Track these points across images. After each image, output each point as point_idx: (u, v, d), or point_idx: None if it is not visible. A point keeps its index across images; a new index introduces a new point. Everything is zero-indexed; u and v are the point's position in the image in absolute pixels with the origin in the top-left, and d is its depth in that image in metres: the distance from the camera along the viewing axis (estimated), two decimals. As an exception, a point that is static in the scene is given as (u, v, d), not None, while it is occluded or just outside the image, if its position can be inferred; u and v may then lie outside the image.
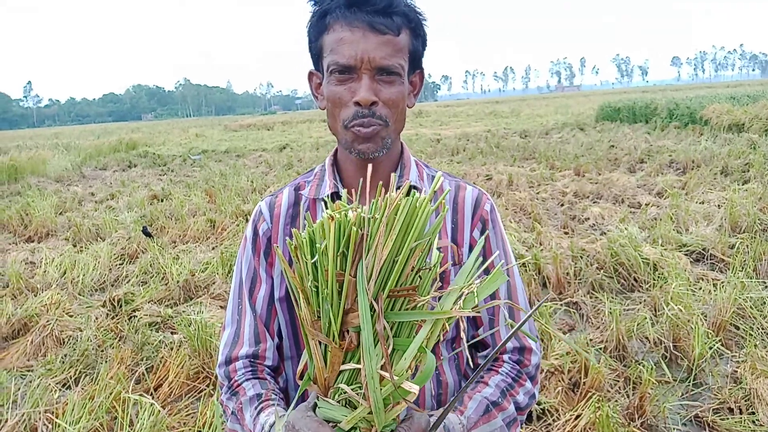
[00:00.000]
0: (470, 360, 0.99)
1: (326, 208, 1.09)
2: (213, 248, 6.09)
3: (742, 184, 7.53)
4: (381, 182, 0.88)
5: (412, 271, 0.79)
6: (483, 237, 0.92)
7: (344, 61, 0.97)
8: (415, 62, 1.06)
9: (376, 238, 0.75)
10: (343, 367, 0.78)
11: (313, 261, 0.78)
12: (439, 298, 0.83)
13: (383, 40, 0.97)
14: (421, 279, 0.81)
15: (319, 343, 0.80)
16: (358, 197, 0.96)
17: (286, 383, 1.13)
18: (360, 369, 0.76)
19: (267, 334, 1.10)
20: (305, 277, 0.80)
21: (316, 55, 1.04)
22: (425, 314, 0.78)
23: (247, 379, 1.06)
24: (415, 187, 1.10)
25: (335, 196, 1.10)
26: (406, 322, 0.80)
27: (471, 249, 1.10)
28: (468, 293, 0.81)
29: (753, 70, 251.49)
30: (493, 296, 1.09)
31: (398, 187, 1.09)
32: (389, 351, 0.76)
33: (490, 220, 1.12)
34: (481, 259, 0.88)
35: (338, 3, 0.98)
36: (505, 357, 1.09)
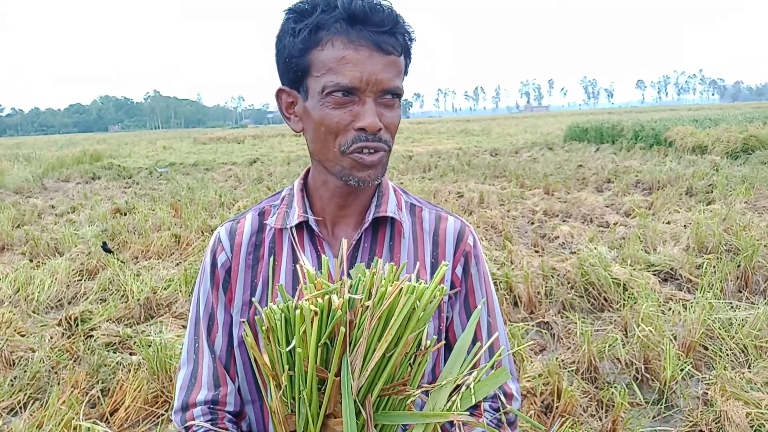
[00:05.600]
0: None
1: (294, 237, 1.00)
2: (177, 264, 5.90)
3: (707, 205, 7.69)
4: (369, 262, 0.76)
5: (403, 360, 0.70)
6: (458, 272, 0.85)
7: (347, 82, 0.87)
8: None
9: (365, 331, 0.66)
10: None
11: (288, 349, 0.68)
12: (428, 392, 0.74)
13: (389, 61, 0.89)
14: (411, 367, 0.72)
15: None
16: (341, 258, 0.82)
17: (249, 426, 1.03)
18: None
19: (227, 377, 1.00)
20: (277, 364, 0.69)
21: (300, 72, 0.91)
22: (419, 417, 0.69)
23: (205, 431, 0.96)
24: (392, 218, 1.02)
25: (304, 225, 1.00)
26: (391, 418, 0.70)
27: (453, 286, 1.02)
28: (464, 389, 0.71)
29: (713, 94, 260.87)
30: (475, 341, 1.02)
31: (375, 219, 1.01)
32: None
33: (473, 255, 1.04)
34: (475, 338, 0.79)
35: (337, 17, 0.87)
36: (485, 405, 1.01)
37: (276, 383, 0.70)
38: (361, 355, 0.65)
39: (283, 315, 0.68)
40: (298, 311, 0.66)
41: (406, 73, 0.97)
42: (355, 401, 0.65)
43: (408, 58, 0.96)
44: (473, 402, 0.70)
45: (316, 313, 0.65)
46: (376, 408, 0.69)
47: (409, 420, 0.69)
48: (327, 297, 0.67)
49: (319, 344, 0.66)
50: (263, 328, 0.70)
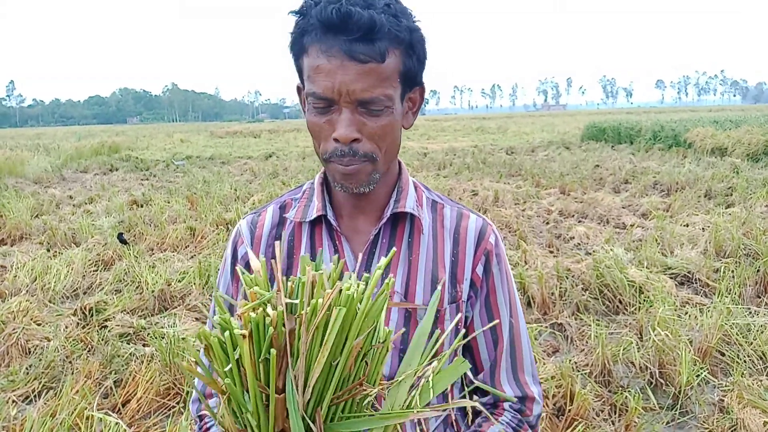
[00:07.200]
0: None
1: (311, 233, 0.99)
2: (191, 257, 5.94)
3: (726, 208, 7.57)
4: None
5: (356, 360, 0.65)
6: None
7: (321, 92, 0.86)
8: (412, 80, 0.94)
9: (304, 344, 0.61)
10: None
11: (226, 369, 0.62)
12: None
13: (364, 70, 0.85)
14: (367, 364, 0.67)
15: None
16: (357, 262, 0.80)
17: None
18: None
19: None
20: (223, 379, 0.64)
21: (299, 73, 0.94)
22: (376, 420, 0.64)
23: (216, 424, 0.96)
24: (411, 214, 1.01)
25: (323, 219, 1.00)
26: (346, 425, 0.65)
27: (472, 285, 1.00)
28: (423, 383, 0.66)
29: (734, 95, 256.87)
30: (496, 341, 1.01)
31: (393, 215, 1.00)
32: None
33: (494, 254, 1.01)
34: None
35: (314, 25, 0.86)
36: (506, 405, 0.99)
37: (225, 399, 0.65)
38: (304, 367, 0.61)
39: (220, 329, 0.62)
40: (227, 333, 0.61)
41: (412, 73, 0.93)
42: (303, 416, 0.61)
43: (409, 56, 0.90)
44: (431, 396, 0.67)
45: (243, 336, 0.59)
46: (332, 417, 0.65)
47: (366, 425, 0.64)
48: (261, 310, 0.61)
49: (259, 361, 0.61)
50: (202, 346, 0.64)
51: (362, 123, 0.88)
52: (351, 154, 0.89)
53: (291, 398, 0.60)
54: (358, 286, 0.63)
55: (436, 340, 0.71)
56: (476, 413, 1.01)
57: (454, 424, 1.03)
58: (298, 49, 0.91)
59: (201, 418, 0.97)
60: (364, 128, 0.88)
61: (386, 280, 0.67)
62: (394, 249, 0.75)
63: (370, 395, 0.65)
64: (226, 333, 0.61)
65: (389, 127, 0.91)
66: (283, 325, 0.60)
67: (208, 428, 0.96)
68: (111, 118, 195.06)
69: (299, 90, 0.99)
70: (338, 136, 0.87)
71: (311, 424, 0.61)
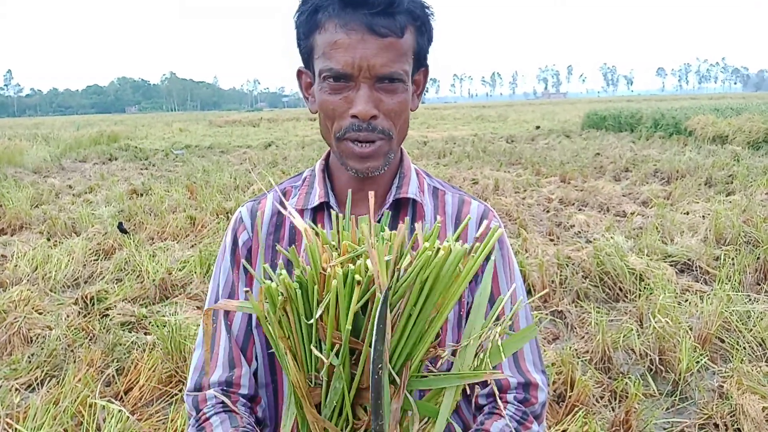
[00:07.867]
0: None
1: (313, 221, 0.98)
2: (192, 246, 5.94)
3: (726, 196, 7.57)
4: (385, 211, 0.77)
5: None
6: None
7: (339, 68, 0.84)
8: (420, 60, 0.94)
9: (405, 297, 0.64)
10: None
11: (311, 321, 0.65)
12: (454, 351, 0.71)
13: (384, 44, 0.84)
14: (442, 330, 0.73)
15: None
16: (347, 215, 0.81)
17: (264, 412, 1.01)
18: None
19: (243, 359, 0.98)
20: (294, 335, 0.66)
21: (307, 54, 0.92)
22: (454, 379, 0.67)
23: (216, 413, 0.93)
24: (413, 200, 1.00)
25: (325, 206, 0.99)
26: (425, 383, 0.69)
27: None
28: (492, 346, 0.69)
29: (735, 83, 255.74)
30: (492, 298, 1.01)
31: (396, 200, 0.99)
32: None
33: (497, 241, 1.02)
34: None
35: (331, 1, 0.85)
36: (509, 396, 0.97)
37: (292, 358, 0.67)
38: (398, 322, 0.64)
39: (297, 280, 0.65)
40: (334, 281, 0.62)
41: (423, 52, 0.93)
42: (389, 372, 0.64)
43: (421, 35, 0.91)
44: (503, 358, 0.69)
45: (359, 282, 0.61)
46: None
47: (444, 383, 0.67)
48: (361, 262, 0.64)
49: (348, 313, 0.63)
50: (279, 298, 0.66)
51: (379, 99, 0.87)
52: (369, 129, 0.88)
53: (384, 355, 0.63)
54: (455, 247, 0.66)
55: (498, 306, 0.73)
56: (478, 408, 0.99)
57: (458, 410, 1.02)
58: (309, 26, 0.89)
59: (198, 411, 0.95)
60: (381, 105, 0.88)
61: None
62: (439, 218, 0.76)
63: (443, 357, 0.69)
64: (333, 278, 0.62)
65: (405, 104, 0.90)
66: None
67: (208, 418, 0.93)
68: (109, 108, 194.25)
69: (300, 74, 0.98)
70: (357, 113, 0.86)
71: (396, 378, 0.64)
